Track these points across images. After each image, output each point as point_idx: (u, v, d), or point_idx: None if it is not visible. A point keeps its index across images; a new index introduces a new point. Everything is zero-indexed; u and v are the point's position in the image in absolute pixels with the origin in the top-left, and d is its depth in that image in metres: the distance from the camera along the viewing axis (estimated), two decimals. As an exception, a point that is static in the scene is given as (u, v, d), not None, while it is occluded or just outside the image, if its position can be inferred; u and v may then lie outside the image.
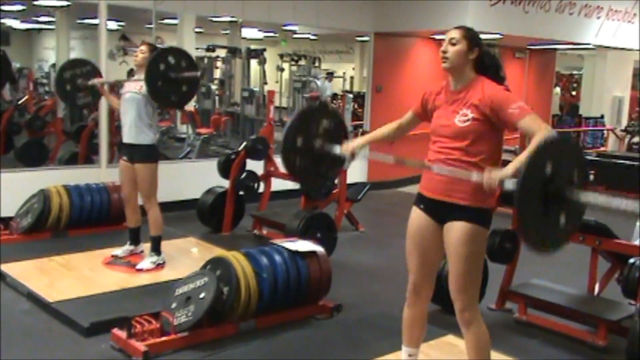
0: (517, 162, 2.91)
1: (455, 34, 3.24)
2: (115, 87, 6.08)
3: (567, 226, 2.99)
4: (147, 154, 5.40)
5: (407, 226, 3.42)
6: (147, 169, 5.38)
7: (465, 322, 3.29)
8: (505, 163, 3.08)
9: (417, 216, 3.38)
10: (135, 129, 5.34)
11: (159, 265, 5.52)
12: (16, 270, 5.24)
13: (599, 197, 2.92)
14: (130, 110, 5.35)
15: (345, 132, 3.85)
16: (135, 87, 5.36)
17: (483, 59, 3.26)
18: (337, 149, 3.61)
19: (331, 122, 3.74)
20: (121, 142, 5.62)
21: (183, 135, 11.86)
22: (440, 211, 3.27)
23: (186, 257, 5.97)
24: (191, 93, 5.58)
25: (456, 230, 3.19)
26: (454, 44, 3.21)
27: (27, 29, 14.39)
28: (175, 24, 9.56)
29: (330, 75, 14.92)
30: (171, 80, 5.26)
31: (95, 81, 5.86)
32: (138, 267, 5.45)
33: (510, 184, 2.82)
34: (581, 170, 3.02)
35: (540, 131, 2.97)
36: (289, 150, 3.62)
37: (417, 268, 3.42)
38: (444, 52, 3.23)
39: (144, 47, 5.49)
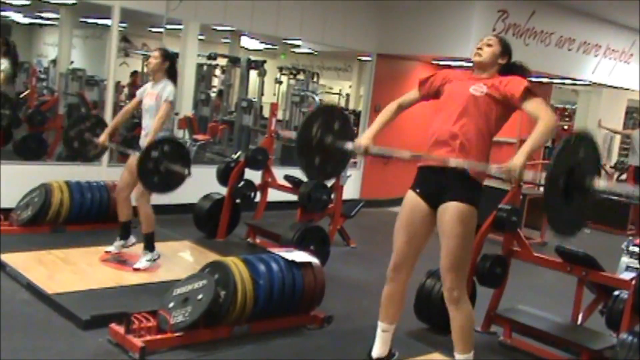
0: (528, 147, 3.25)
1: (493, 38, 3.63)
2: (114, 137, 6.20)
3: (585, 211, 3.35)
4: None
5: (401, 207, 3.67)
6: None
7: (453, 300, 3.49)
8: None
9: (411, 198, 3.63)
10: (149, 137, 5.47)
11: (155, 261, 5.61)
12: (16, 260, 5.32)
13: (612, 185, 3.32)
14: (149, 120, 5.52)
15: (352, 131, 4.12)
16: (153, 98, 5.53)
17: (510, 67, 3.59)
18: (350, 145, 3.85)
19: (341, 122, 3.98)
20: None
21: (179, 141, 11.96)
22: (435, 190, 3.51)
23: (181, 259, 6.08)
24: (172, 188, 5.55)
25: (451, 210, 3.43)
26: (489, 45, 3.58)
27: (29, 24, 14.48)
28: (179, 30, 9.68)
29: None
30: (160, 170, 5.31)
31: (99, 142, 5.94)
32: (135, 266, 5.53)
33: (529, 176, 3.20)
34: (596, 161, 3.36)
35: (544, 117, 3.32)
36: (303, 146, 3.87)
37: (402, 247, 3.64)
38: (480, 48, 3.58)
39: (157, 53, 5.62)
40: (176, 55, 10.26)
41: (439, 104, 3.64)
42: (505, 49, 3.59)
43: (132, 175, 5.59)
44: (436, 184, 3.52)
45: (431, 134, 3.58)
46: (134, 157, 5.60)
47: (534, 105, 3.39)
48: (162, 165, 5.27)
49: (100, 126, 6.09)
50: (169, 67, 5.60)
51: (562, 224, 3.23)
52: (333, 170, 4.21)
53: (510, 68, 3.59)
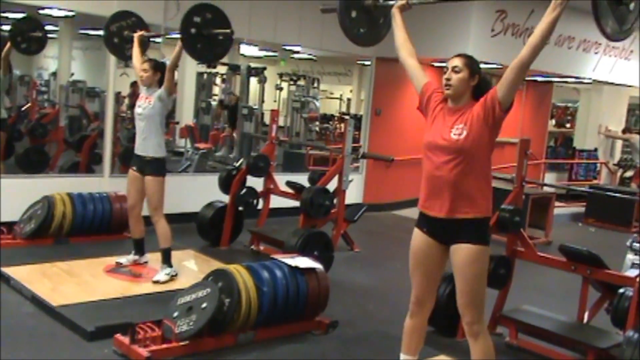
0: None
1: (458, 62, 3.43)
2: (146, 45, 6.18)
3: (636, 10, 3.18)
4: (158, 168, 5.54)
5: (410, 245, 3.58)
6: (157, 182, 5.51)
7: (474, 334, 3.45)
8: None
9: (420, 237, 3.54)
10: (146, 142, 5.51)
11: (173, 277, 5.60)
12: (20, 273, 5.33)
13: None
14: (142, 124, 5.51)
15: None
16: (145, 102, 5.52)
17: (481, 85, 3.44)
18: (392, 1, 3.83)
19: None
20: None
21: (181, 149, 11.98)
22: (444, 232, 3.44)
23: (184, 268, 6.07)
24: (225, 49, 5.56)
25: (463, 252, 3.37)
26: (457, 72, 3.40)
27: (29, 37, 14.50)
28: (177, 39, 9.66)
29: None
30: (204, 36, 5.31)
31: (135, 34, 5.99)
32: (154, 279, 5.53)
33: None
34: None
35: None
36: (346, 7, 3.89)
37: (421, 284, 3.59)
38: (448, 79, 3.42)
39: (146, 66, 5.59)
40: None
41: (425, 138, 3.50)
42: (474, 69, 3.41)
43: (138, 190, 5.61)
44: (442, 227, 3.43)
45: (425, 177, 3.48)
46: (133, 172, 5.61)
47: (507, 72, 3.25)
48: (206, 30, 5.26)
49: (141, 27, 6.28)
50: (162, 77, 5.56)
51: (608, 25, 3.12)
52: (365, 34, 4.06)
53: (482, 87, 3.42)
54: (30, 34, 6.88)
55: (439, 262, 3.54)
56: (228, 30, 5.39)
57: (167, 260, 5.63)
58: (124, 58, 6.54)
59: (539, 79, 12.39)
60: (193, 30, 5.26)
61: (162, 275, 5.56)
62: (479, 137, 3.32)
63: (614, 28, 3.13)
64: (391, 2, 3.84)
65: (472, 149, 3.32)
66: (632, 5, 3.15)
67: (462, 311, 3.45)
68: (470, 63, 3.44)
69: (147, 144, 5.51)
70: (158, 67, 5.59)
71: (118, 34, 6.27)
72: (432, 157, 3.43)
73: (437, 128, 3.45)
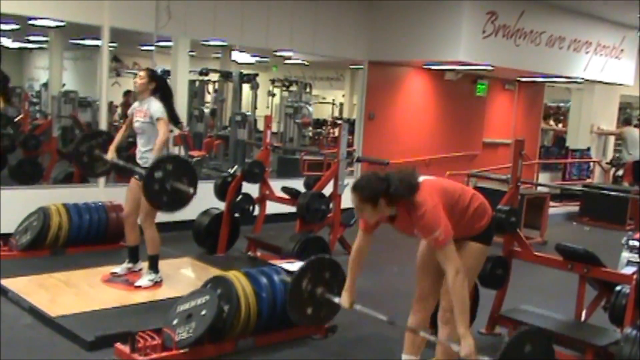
0: (462, 327, 3.40)
1: (357, 202, 3.47)
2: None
3: None
4: None
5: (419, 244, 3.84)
6: None
7: (445, 320, 3.70)
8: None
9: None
10: (141, 152, 5.57)
11: (157, 283, 5.61)
12: (17, 285, 5.32)
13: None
14: (142, 136, 5.58)
15: (343, 281, 4.19)
16: (141, 115, 5.58)
17: (392, 195, 3.44)
18: (337, 299, 4.13)
19: (331, 273, 4.32)
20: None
21: (175, 158, 11.95)
22: None
23: (182, 276, 6.08)
24: (180, 206, 5.48)
25: (468, 246, 3.68)
26: (367, 211, 3.48)
27: (19, 48, 14.47)
28: (169, 47, 9.68)
29: None
30: (165, 187, 5.26)
31: (108, 159, 5.90)
32: (136, 284, 5.55)
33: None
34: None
35: (450, 269, 3.40)
36: (294, 299, 4.18)
37: (424, 282, 3.84)
38: (363, 214, 3.57)
39: (142, 73, 5.68)
40: (167, 72, 10.33)
41: None
42: (374, 198, 3.42)
43: (135, 199, 5.61)
44: None
45: None
46: (134, 181, 5.62)
47: (441, 256, 3.45)
48: (168, 183, 5.26)
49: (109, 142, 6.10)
50: (155, 87, 5.64)
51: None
52: (327, 314, 4.44)
53: (393, 194, 3.43)
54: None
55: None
56: (191, 190, 5.36)
57: (153, 267, 5.66)
58: (93, 175, 6.63)
59: (537, 79, 12.43)
60: (156, 187, 5.22)
61: (145, 281, 5.59)
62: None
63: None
64: (336, 300, 4.14)
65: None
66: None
67: (443, 295, 3.69)
68: (369, 197, 3.42)
69: (142, 154, 5.58)
70: (154, 77, 5.65)
71: (87, 153, 6.20)
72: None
73: (401, 223, 3.63)
